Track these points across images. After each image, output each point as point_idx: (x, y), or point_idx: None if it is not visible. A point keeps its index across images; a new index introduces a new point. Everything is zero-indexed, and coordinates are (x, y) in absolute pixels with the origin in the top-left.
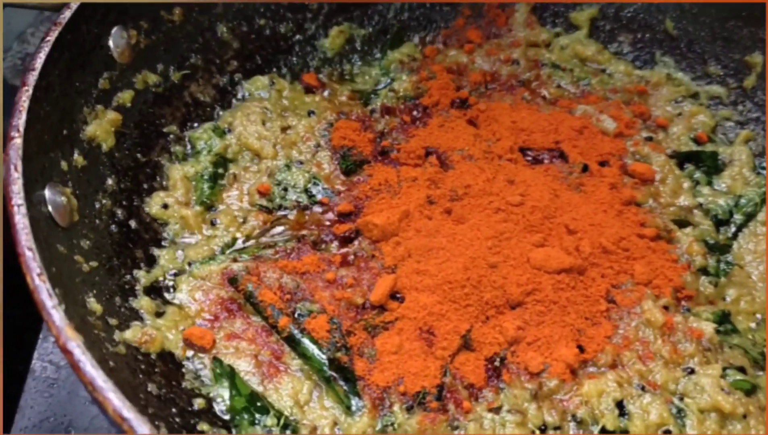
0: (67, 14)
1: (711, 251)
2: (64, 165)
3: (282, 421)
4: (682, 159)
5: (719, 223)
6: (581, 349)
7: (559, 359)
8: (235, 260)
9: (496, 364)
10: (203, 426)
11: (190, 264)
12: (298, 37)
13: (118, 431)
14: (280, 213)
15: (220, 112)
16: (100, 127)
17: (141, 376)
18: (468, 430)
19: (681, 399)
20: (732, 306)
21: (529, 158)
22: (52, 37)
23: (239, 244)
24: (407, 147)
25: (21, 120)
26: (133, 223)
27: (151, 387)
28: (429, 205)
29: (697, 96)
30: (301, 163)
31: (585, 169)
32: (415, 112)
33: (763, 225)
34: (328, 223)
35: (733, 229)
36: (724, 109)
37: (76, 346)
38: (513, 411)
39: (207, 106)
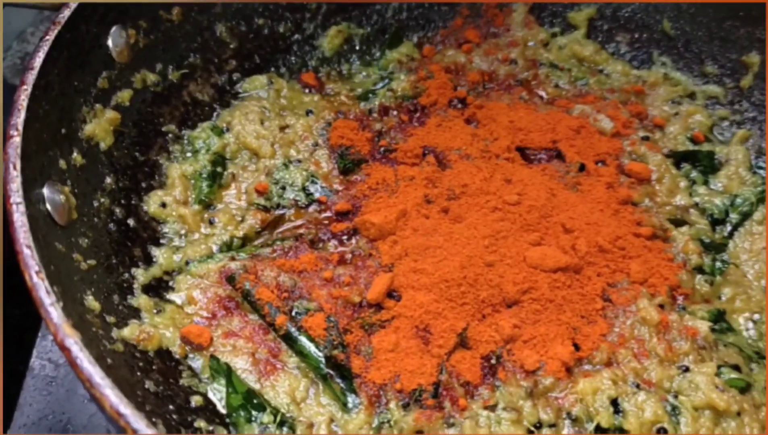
0: (66, 13)
1: (707, 250)
2: (62, 163)
3: (279, 418)
4: (678, 158)
5: (715, 222)
6: (577, 347)
7: (555, 357)
8: (232, 259)
9: (492, 361)
10: (200, 423)
11: (188, 262)
12: (296, 36)
13: (115, 428)
14: (279, 212)
15: (219, 112)
16: (99, 126)
17: (139, 373)
18: (464, 427)
19: (676, 397)
20: (727, 305)
21: (527, 158)
22: (51, 36)
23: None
24: (405, 146)
25: (20, 118)
26: (131, 222)
27: (149, 384)
28: (426, 204)
29: (694, 96)
30: (299, 162)
31: (582, 168)
32: (413, 112)
33: (758, 224)
34: (325, 221)
35: (728, 228)
36: (721, 109)
37: (74, 342)
38: (508, 408)
39: (205, 106)
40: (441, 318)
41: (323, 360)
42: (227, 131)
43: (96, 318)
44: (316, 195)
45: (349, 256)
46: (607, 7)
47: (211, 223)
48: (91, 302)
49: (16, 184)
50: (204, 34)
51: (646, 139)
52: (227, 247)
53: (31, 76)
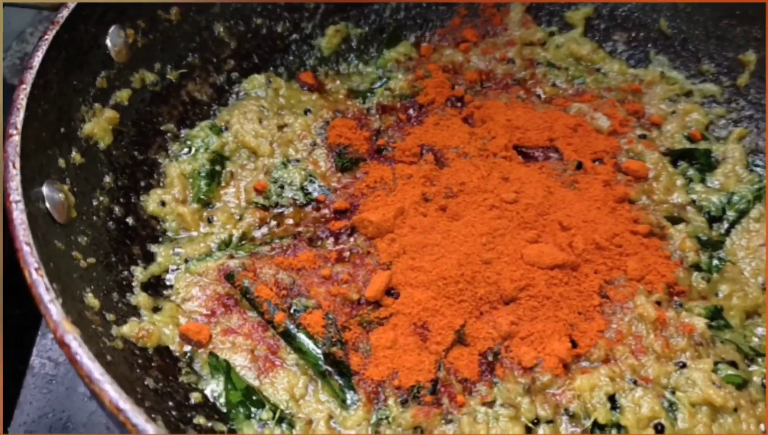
0: (65, 13)
1: (704, 247)
2: (61, 162)
3: (278, 415)
4: (675, 156)
5: (712, 219)
6: (574, 343)
7: (552, 354)
8: (231, 257)
9: (490, 358)
10: (200, 420)
11: (187, 260)
12: (294, 36)
13: (115, 424)
14: (277, 210)
15: (217, 111)
16: (98, 125)
17: (138, 370)
18: (462, 423)
19: (673, 393)
20: (724, 301)
21: (524, 156)
22: (50, 36)
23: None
24: (403, 145)
25: (19, 117)
26: (130, 220)
27: (148, 381)
28: (424, 202)
29: (691, 94)
30: (298, 160)
31: (579, 166)
32: (410, 111)
33: (755, 221)
34: (324, 220)
35: (725, 225)
36: (717, 107)
37: (73, 338)
38: (506, 405)
39: (204, 105)
40: (439, 315)
41: (322, 357)
42: (226, 130)
43: (95, 315)
44: (315, 193)
45: (347, 253)
46: (603, 6)
47: (209, 221)
48: (91, 300)
49: (15, 183)
50: (202, 34)
51: (643, 137)
52: (226, 245)
53: (30, 76)
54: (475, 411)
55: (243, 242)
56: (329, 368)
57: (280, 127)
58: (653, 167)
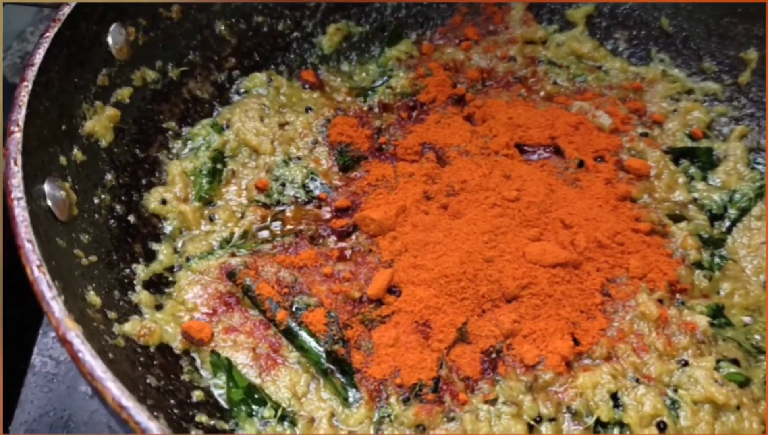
0: (66, 11)
1: (705, 245)
2: (63, 160)
3: (280, 413)
4: (677, 154)
5: (714, 217)
6: (576, 341)
7: (555, 352)
8: (233, 255)
9: (492, 356)
10: (202, 417)
11: (188, 259)
12: (295, 34)
13: (117, 422)
14: (278, 208)
15: (219, 109)
16: (99, 122)
17: (140, 368)
18: (464, 421)
19: (675, 391)
20: (726, 299)
21: (526, 154)
22: (51, 34)
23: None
24: (404, 143)
25: (21, 115)
26: (131, 218)
27: (150, 379)
28: (426, 200)
29: (693, 92)
30: (299, 159)
31: (581, 164)
32: (412, 109)
33: (757, 219)
34: (325, 218)
35: (727, 223)
36: (719, 105)
37: (75, 335)
38: (508, 403)
39: (205, 103)
40: (441, 313)
41: (324, 355)
42: (227, 128)
43: (97, 313)
44: (316, 192)
45: (349, 252)
46: (605, 5)
47: (211, 219)
48: (92, 298)
49: (17, 180)
50: (203, 32)
51: (644, 135)
52: (227, 243)
53: (32, 73)
54: (477, 409)
55: (244, 241)
56: (331, 366)
57: (282, 125)
58: (655, 165)
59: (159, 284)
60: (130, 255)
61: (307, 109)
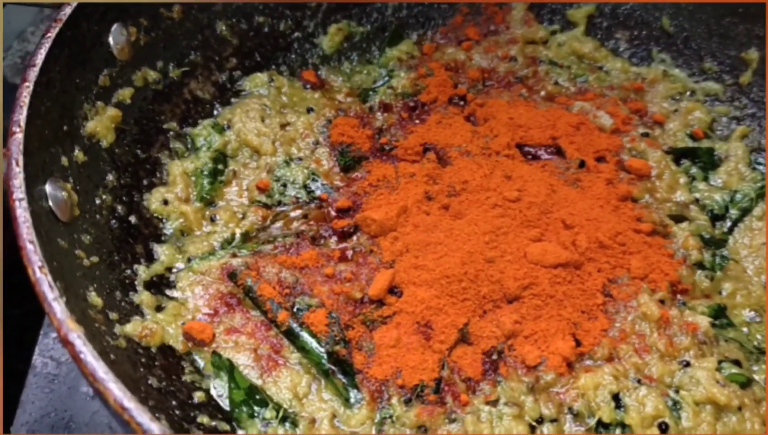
0: (68, 11)
1: (707, 246)
2: (64, 160)
3: (281, 414)
4: (678, 155)
5: (715, 218)
6: (578, 342)
7: (556, 352)
8: (234, 255)
9: (494, 357)
10: (203, 419)
11: (189, 259)
12: (297, 34)
13: (119, 423)
14: (280, 209)
15: (220, 109)
16: (101, 123)
17: (141, 369)
18: (465, 422)
19: (677, 392)
20: (727, 300)
21: (527, 154)
22: (52, 34)
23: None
24: (405, 143)
25: (22, 115)
26: (133, 219)
27: (152, 380)
28: (427, 200)
29: (694, 92)
30: (300, 159)
31: (582, 164)
32: (413, 109)
33: (758, 220)
34: (327, 218)
35: (728, 223)
36: (720, 106)
37: (77, 337)
38: (510, 404)
39: (206, 103)
40: (442, 314)
41: (325, 356)
42: (228, 129)
43: (99, 314)
44: (317, 192)
45: (350, 252)
46: (606, 5)
47: (212, 220)
48: (94, 298)
49: (18, 181)
50: (205, 32)
51: (645, 135)
52: (229, 243)
53: (33, 73)
54: (478, 410)
55: (245, 241)
56: (332, 367)
57: (283, 126)
58: (656, 165)
59: (160, 285)
60: (131, 255)
61: (309, 110)
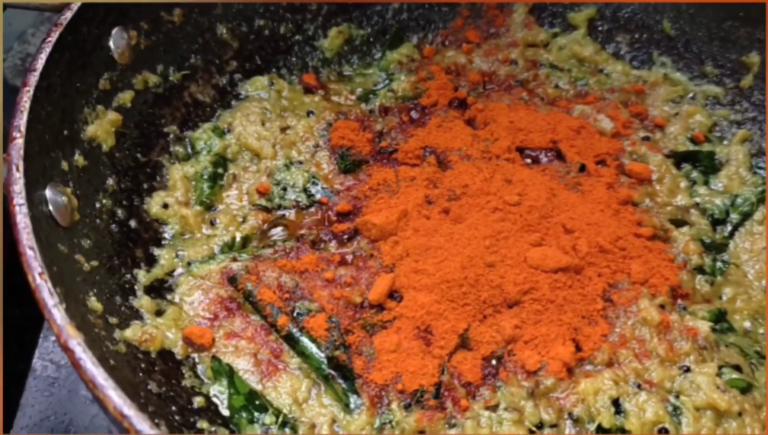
0: (68, 15)
1: (707, 250)
2: (64, 165)
3: (281, 419)
4: (679, 158)
5: (716, 222)
6: (578, 347)
7: (556, 358)
8: (234, 259)
9: (494, 362)
10: (203, 424)
11: (189, 263)
12: (297, 37)
13: (118, 429)
14: (280, 212)
15: (220, 113)
16: (101, 127)
17: (141, 374)
18: (465, 427)
19: (677, 397)
20: (728, 305)
21: (527, 158)
22: (53, 38)
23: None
24: (406, 147)
25: (22, 120)
26: (133, 223)
27: (151, 385)
28: (427, 204)
29: (695, 96)
30: (300, 163)
31: (582, 168)
32: (413, 113)
33: (759, 224)
34: (327, 222)
35: (729, 228)
36: (721, 109)
37: (77, 344)
38: (510, 409)
39: (207, 107)
40: (442, 319)
41: (325, 360)
42: (228, 132)
43: (98, 319)
44: (318, 196)
45: (350, 256)
46: (606, 8)
47: (212, 224)
48: (94, 303)
49: (18, 186)
50: (205, 36)
51: (646, 139)
52: (229, 247)
53: (33, 78)
54: (478, 415)
55: (245, 245)
56: (332, 372)
57: (283, 129)
58: (656, 169)
59: (160, 289)
60: (131, 260)
61: (309, 113)
